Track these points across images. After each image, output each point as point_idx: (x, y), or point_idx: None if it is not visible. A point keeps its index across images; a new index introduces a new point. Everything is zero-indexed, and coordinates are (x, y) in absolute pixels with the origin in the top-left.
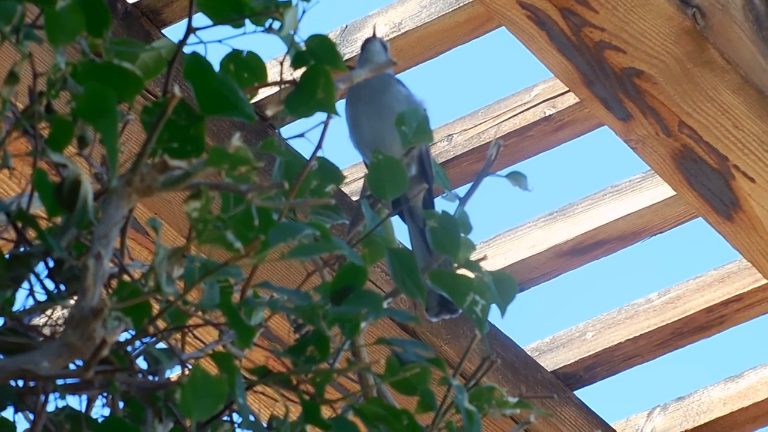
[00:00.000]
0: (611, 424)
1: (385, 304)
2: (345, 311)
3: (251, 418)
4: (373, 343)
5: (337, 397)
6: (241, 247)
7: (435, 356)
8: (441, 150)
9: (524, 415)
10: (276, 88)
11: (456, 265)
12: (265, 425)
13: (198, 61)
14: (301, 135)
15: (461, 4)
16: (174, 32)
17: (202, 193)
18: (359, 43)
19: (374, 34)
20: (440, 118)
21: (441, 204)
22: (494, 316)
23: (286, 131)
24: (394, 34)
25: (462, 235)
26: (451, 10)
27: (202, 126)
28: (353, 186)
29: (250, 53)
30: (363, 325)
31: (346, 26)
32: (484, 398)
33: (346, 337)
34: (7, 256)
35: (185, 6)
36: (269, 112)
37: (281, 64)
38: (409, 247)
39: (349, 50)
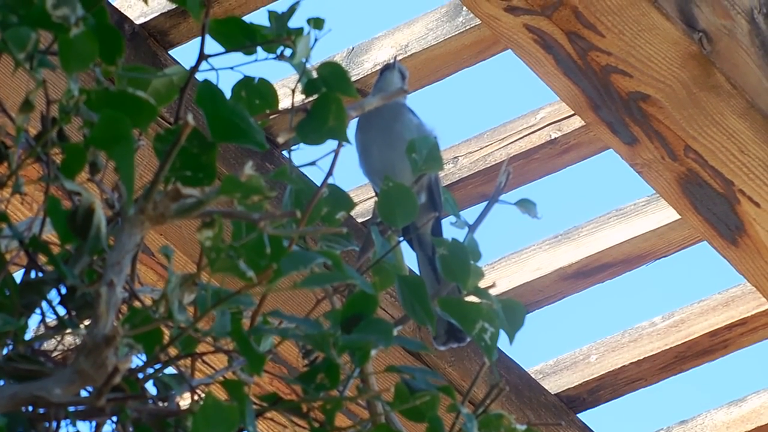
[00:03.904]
0: None
1: (395, 332)
2: (356, 339)
3: None
4: (384, 370)
5: (347, 425)
6: (254, 275)
7: (445, 384)
8: (447, 172)
9: None
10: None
11: (464, 292)
12: None
13: (209, 88)
14: (313, 163)
15: (468, 27)
16: (181, 53)
17: (215, 221)
18: (366, 65)
19: (394, 62)
20: (446, 140)
21: (450, 231)
22: (500, 340)
23: (293, 156)
24: (401, 57)
25: (471, 262)
26: (457, 32)
27: (214, 154)
28: (358, 208)
29: (262, 80)
30: (373, 352)
31: (353, 48)
32: (492, 426)
33: (356, 365)
34: (18, 281)
35: (192, 27)
36: (280, 139)
37: (293, 91)
38: (418, 275)
39: (356, 72)
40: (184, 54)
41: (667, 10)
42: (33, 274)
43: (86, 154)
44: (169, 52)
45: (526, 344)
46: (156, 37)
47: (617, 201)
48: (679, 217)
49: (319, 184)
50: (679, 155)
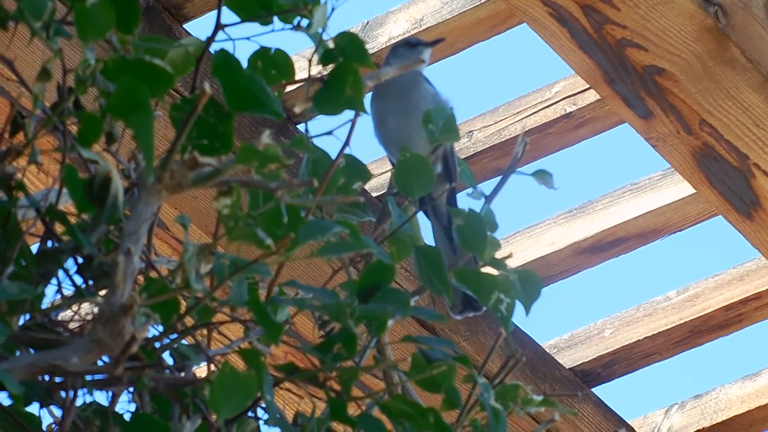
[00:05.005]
0: (629, 422)
1: (411, 302)
2: (373, 309)
3: (277, 415)
4: (400, 340)
5: (360, 395)
6: (272, 244)
7: (461, 354)
8: (462, 146)
9: (546, 414)
10: (299, 84)
11: (480, 262)
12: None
13: (226, 58)
14: (329, 133)
15: (483, 1)
16: (195, 27)
17: (232, 190)
18: (380, 39)
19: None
20: (461, 114)
21: (465, 201)
22: (515, 313)
23: (309, 128)
24: (416, 31)
25: (488, 233)
26: (472, 6)
27: (230, 123)
28: (373, 182)
29: (278, 50)
30: (390, 322)
31: (368, 22)
32: (509, 396)
33: (373, 335)
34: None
35: (207, 1)
36: (297, 109)
37: (309, 61)
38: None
39: (371, 46)
40: (199, 28)
41: None
42: (50, 244)
43: (103, 124)
44: (184, 26)
45: (541, 319)
46: (170, 10)
47: (632, 175)
48: (694, 191)
49: (335, 156)
50: (694, 129)
